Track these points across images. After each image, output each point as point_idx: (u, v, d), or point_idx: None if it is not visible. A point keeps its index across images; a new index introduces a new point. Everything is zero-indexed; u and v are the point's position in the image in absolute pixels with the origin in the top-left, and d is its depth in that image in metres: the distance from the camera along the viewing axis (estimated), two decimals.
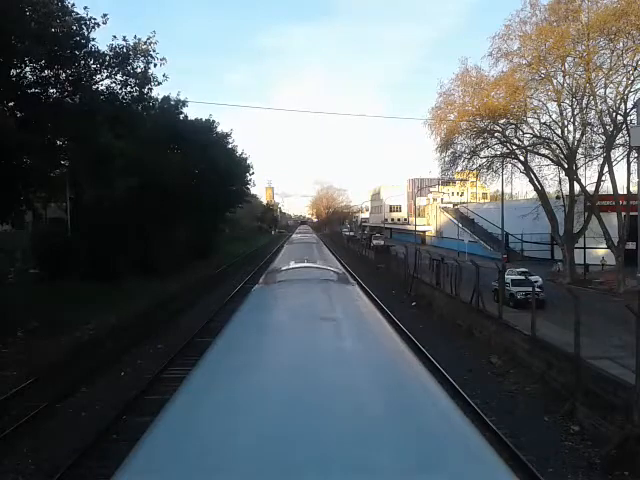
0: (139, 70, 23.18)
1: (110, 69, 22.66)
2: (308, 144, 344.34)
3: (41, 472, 10.29)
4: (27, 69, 21.14)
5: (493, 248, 48.89)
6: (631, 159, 28.75)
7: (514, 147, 34.06)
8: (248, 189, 70.35)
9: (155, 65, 23.33)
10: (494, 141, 34.64)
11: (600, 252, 34.60)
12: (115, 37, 22.63)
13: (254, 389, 2.77)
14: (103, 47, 22.36)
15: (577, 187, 31.76)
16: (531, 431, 12.28)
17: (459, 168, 36.58)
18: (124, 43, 22.37)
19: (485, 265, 25.85)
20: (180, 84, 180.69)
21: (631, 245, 28.97)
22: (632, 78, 28.42)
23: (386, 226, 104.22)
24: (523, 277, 23.84)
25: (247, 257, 62.78)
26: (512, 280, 23.25)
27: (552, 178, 34.26)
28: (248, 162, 62.79)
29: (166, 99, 41.25)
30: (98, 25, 21.30)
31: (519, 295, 21.92)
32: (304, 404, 2.47)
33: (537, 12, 30.86)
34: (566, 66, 30.68)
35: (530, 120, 33.67)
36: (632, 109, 28.14)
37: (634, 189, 30.01)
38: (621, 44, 28.11)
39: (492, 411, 13.36)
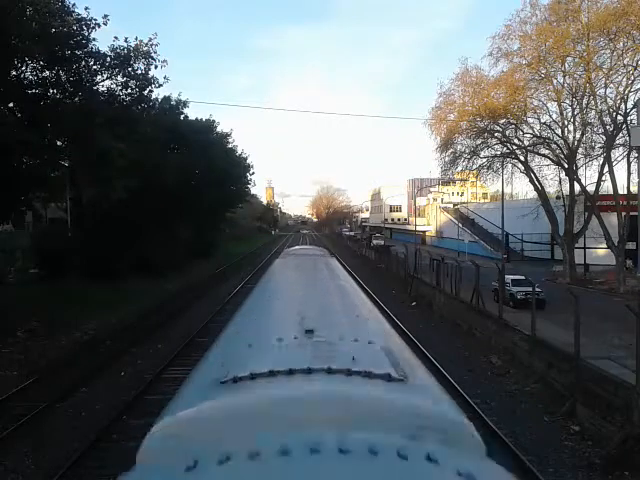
0: (140, 71, 23.20)
1: (111, 70, 22.68)
2: (307, 144, 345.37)
3: (41, 472, 10.30)
4: (27, 69, 21.16)
5: (493, 248, 48.86)
6: (631, 159, 28.76)
7: (514, 147, 34.06)
8: (248, 189, 70.42)
9: (156, 67, 23.37)
10: (494, 141, 34.65)
11: (600, 252, 34.59)
12: (116, 38, 22.68)
13: None
14: (104, 48, 22.42)
15: (577, 187, 31.77)
16: (531, 431, 12.29)
17: (459, 168, 36.62)
18: (125, 44, 22.42)
19: (485, 265, 25.87)
20: (180, 84, 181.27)
21: (631, 245, 28.98)
22: (632, 78, 28.44)
23: (386, 226, 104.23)
24: (523, 277, 23.81)
25: (247, 257, 62.81)
26: (512, 280, 23.23)
27: (552, 178, 34.31)
28: (248, 162, 62.83)
29: (166, 99, 41.25)
30: (99, 25, 21.32)
31: (519, 295, 21.89)
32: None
33: (537, 12, 30.90)
34: (566, 66, 30.69)
35: (530, 120, 33.72)
36: (632, 109, 28.15)
37: (634, 189, 30.02)
38: (621, 44, 28.12)
39: (492, 411, 13.37)
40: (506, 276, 22.75)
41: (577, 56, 29.74)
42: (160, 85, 24.49)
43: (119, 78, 23.21)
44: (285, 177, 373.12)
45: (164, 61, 23.40)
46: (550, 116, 32.69)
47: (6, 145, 20.20)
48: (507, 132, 34.08)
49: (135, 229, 33.22)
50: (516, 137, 34.37)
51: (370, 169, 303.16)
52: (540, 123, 33.26)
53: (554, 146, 32.51)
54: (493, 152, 35.05)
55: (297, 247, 13.80)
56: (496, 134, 34.05)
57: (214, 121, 50.49)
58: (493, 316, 20.01)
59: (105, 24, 21.42)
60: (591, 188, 31.68)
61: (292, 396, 2.43)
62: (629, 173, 29.11)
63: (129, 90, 23.74)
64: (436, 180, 74.07)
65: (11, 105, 21.91)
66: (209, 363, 3.47)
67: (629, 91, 28.67)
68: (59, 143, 25.35)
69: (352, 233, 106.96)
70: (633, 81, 28.61)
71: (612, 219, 29.86)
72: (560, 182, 33.45)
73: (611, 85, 29.41)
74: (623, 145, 29.86)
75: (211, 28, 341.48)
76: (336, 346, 3.31)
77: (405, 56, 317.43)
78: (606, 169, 29.68)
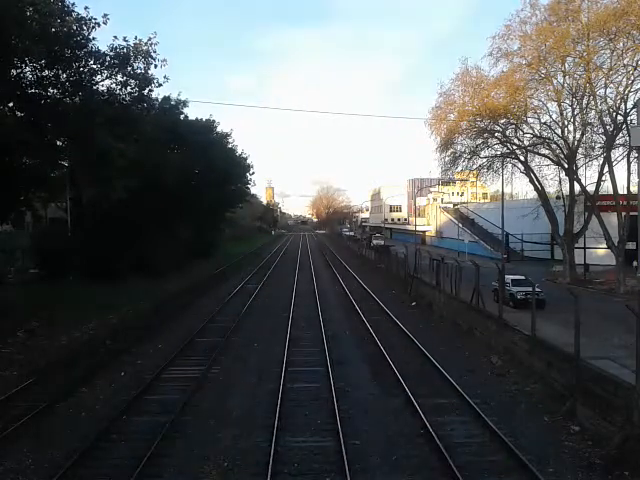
0: (139, 71, 23.15)
1: (110, 70, 22.64)
2: (307, 144, 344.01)
3: (41, 472, 10.30)
4: (27, 69, 21.14)
5: (493, 248, 48.86)
6: (631, 159, 28.71)
7: (514, 147, 34.02)
8: (248, 189, 70.46)
9: (156, 66, 23.30)
10: (494, 141, 34.60)
11: (600, 252, 34.58)
12: (116, 37, 22.64)
13: None
14: (103, 47, 22.39)
15: (577, 187, 31.75)
16: (531, 431, 12.28)
17: (459, 168, 36.52)
18: (124, 44, 22.37)
19: (485, 265, 25.85)
20: (180, 84, 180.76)
21: (631, 245, 28.94)
22: (632, 78, 28.35)
23: (386, 226, 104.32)
24: (523, 277, 23.78)
25: (247, 257, 62.83)
26: (512, 280, 23.22)
27: (552, 178, 34.25)
28: (248, 162, 62.81)
29: (166, 99, 41.24)
30: (99, 25, 21.30)
31: (519, 295, 21.88)
32: None
33: (537, 12, 30.80)
34: (566, 66, 30.63)
35: (530, 120, 33.63)
36: (632, 109, 28.08)
37: (634, 189, 29.95)
38: (621, 44, 28.04)
39: (492, 411, 13.36)
40: (506, 276, 22.73)
41: (577, 56, 29.69)
42: (160, 85, 24.45)
43: (119, 77, 23.17)
44: (285, 177, 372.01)
45: (164, 60, 23.37)
46: (550, 116, 32.67)
47: (6, 145, 20.21)
48: (507, 132, 34.03)
49: (135, 229, 33.23)
50: (516, 137, 34.32)
51: (370, 169, 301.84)
52: (540, 123, 33.24)
53: (554, 146, 32.48)
54: (493, 152, 35.01)
55: None
56: (496, 134, 34.02)
57: (214, 121, 50.55)
58: (493, 316, 20.00)
59: (105, 23, 21.41)
60: (591, 188, 31.66)
61: None
62: (629, 173, 29.07)
63: (129, 89, 23.70)
64: (436, 180, 73.99)
65: (11, 105, 21.89)
66: None
67: (629, 91, 28.62)
68: (59, 143, 25.35)
69: (352, 233, 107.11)
70: (633, 81, 28.55)
71: (612, 219, 29.83)
72: (560, 182, 33.44)
73: (611, 85, 29.36)
74: (623, 145, 29.80)
75: (211, 28, 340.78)
76: None
77: (405, 56, 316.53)
78: (606, 169, 29.64)
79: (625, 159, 29.32)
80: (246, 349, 20.03)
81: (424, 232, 76.09)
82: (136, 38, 22.65)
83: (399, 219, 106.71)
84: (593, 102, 29.86)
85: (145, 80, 23.61)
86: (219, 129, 52.09)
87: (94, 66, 22.25)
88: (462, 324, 22.95)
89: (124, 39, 22.44)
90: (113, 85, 23.51)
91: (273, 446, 11.01)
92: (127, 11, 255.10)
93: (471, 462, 10.60)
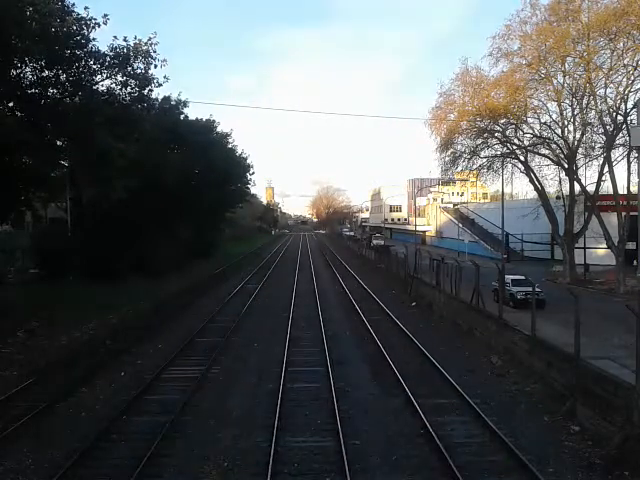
0: (139, 71, 23.15)
1: (110, 70, 22.64)
2: (307, 144, 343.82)
3: (41, 472, 10.30)
4: (27, 69, 21.16)
5: (493, 248, 48.85)
6: (631, 159, 28.72)
7: (514, 147, 34.01)
8: (248, 189, 70.46)
9: (156, 66, 23.29)
10: (494, 141, 34.59)
11: (600, 252, 34.57)
12: (116, 37, 22.66)
13: None
14: (103, 47, 22.39)
15: (577, 187, 31.75)
16: (531, 431, 12.28)
17: (459, 168, 36.51)
18: (124, 44, 22.36)
19: (485, 265, 25.86)
20: (180, 84, 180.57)
21: (631, 245, 28.94)
22: (632, 78, 28.36)
23: (386, 226, 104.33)
24: (523, 277, 23.77)
25: (247, 257, 62.83)
26: (512, 280, 23.21)
27: (552, 178, 34.25)
28: (248, 162, 62.79)
29: (166, 99, 41.25)
30: (99, 25, 21.29)
31: (519, 295, 21.88)
32: None
33: (537, 12, 30.79)
34: (566, 66, 30.62)
35: (530, 120, 33.62)
36: (632, 109, 28.10)
37: (634, 189, 29.97)
38: (621, 44, 28.04)
39: (492, 411, 13.36)
40: (506, 276, 22.73)
41: (577, 56, 29.69)
42: (160, 85, 24.44)
43: (119, 77, 23.16)
44: (285, 177, 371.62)
45: (164, 60, 23.36)
46: (550, 116, 32.66)
47: (6, 145, 20.21)
48: (507, 132, 34.02)
49: (135, 229, 33.22)
50: (516, 137, 34.31)
51: (370, 169, 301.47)
52: (540, 123, 33.23)
53: (554, 146, 32.47)
54: (493, 152, 35.00)
55: None
56: (496, 134, 34.00)
57: (214, 121, 50.54)
58: (493, 316, 20.00)
59: (105, 23, 21.40)
60: (591, 188, 31.65)
61: None
62: (629, 173, 29.07)
63: (129, 89, 23.69)
64: (436, 180, 73.98)
65: (11, 105, 21.89)
66: None
67: (629, 91, 28.62)
68: (59, 143, 25.35)
69: (352, 233, 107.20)
70: (633, 81, 28.54)
71: (612, 219, 29.83)
72: (560, 182, 33.42)
73: (611, 85, 29.36)
74: (623, 145, 29.80)
75: (211, 28, 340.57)
76: None
77: (405, 56, 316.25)
78: (606, 169, 29.64)
79: (625, 159, 29.35)
80: (246, 349, 20.03)
81: (424, 232, 76.07)
82: (136, 38, 22.68)
83: (399, 219, 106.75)
84: (593, 102, 29.86)
85: (145, 80, 23.61)
86: (219, 129, 52.16)
87: (94, 66, 22.24)
88: (462, 324, 22.95)
89: (124, 39, 22.46)
90: (113, 85, 23.54)
91: (273, 446, 11.02)
92: (127, 11, 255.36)
93: (471, 462, 10.61)
